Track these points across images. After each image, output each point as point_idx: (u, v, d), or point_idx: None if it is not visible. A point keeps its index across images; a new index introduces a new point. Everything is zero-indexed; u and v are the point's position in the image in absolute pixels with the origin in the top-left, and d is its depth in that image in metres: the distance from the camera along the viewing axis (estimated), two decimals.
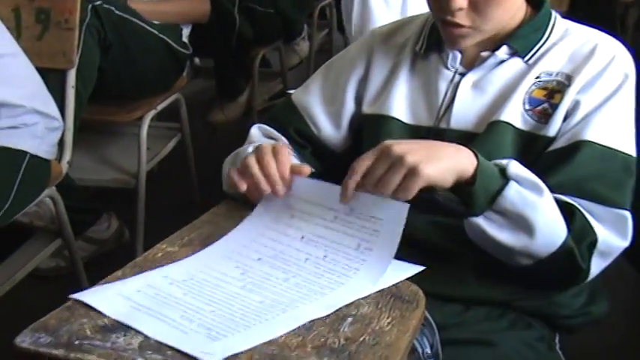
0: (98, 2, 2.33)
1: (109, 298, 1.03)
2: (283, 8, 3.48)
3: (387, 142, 1.07)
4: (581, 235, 1.14)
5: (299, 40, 3.97)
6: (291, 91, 1.53)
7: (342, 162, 1.23)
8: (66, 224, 2.15)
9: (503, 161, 1.13)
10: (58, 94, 2.09)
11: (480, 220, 1.11)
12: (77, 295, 1.04)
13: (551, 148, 1.22)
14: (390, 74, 1.39)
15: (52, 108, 1.95)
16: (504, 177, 1.10)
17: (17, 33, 2.09)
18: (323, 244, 1.14)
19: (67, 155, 2.13)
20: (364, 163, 1.08)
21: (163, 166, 3.04)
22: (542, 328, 1.29)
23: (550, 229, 1.11)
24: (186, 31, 2.90)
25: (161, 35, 2.66)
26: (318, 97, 1.44)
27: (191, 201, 3.09)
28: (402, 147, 1.05)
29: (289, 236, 1.17)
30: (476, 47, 1.31)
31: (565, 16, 1.37)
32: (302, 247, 1.15)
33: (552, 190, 1.14)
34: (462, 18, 1.23)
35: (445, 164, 1.07)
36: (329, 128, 1.43)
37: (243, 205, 1.36)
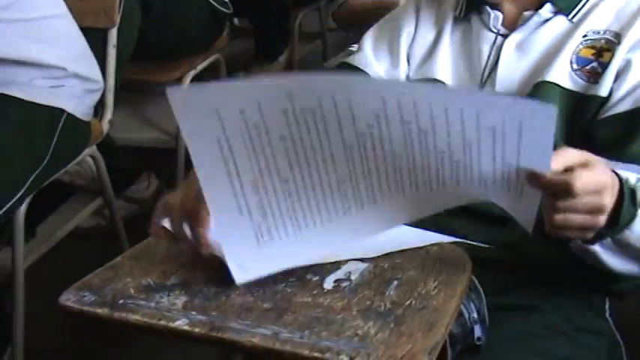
0: None
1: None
2: None
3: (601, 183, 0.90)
4: None
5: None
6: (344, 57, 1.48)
7: None
8: (107, 183, 2.15)
9: (631, 178, 0.99)
10: (99, 53, 2.09)
11: (597, 247, 1.02)
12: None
13: (614, 111, 1.16)
14: (433, 41, 1.36)
15: (95, 71, 1.94)
16: (634, 204, 0.98)
17: None
18: None
19: (108, 115, 2.13)
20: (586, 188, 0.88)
21: None
22: (592, 294, 1.26)
23: None
24: None
25: None
26: (375, 57, 1.40)
27: None
28: (607, 198, 0.91)
29: None
30: (517, 7, 1.28)
31: None
32: None
33: (633, 160, 1.07)
34: None
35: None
36: None
37: None
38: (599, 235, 0.98)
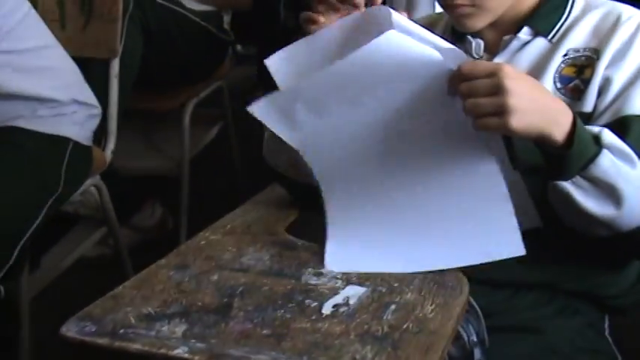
0: None
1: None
2: None
3: (509, 69, 1.01)
4: None
5: None
6: None
7: None
8: (111, 212, 2.17)
9: (595, 128, 1.09)
10: (101, 83, 2.12)
11: (568, 185, 1.07)
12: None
13: (595, 125, 1.19)
14: None
15: (89, 95, 1.96)
16: (598, 144, 1.07)
17: (61, 24, 2.12)
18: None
19: (111, 144, 2.15)
20: (474, 71, 1.02)
21: (206, 153, 3.06)
22: (591, 312, 1.26)
23: (638, 203, 1.08)
24: (227, 18, 2.90)
25: (203, 22, 2.67)
26: None
27: (234, 187, 3.10)
28: (514, 83, 1.00)
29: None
30: (497, 33, 1.30)
31: None
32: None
33: None
34: None
35: (538, 125, 1.03)
36: None
37: (286, 193, 1.37)
38: (566, 168, 1.05)
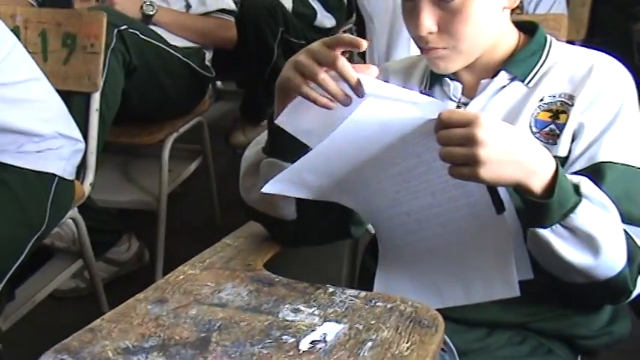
0: (123, 27, 2.36)
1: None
2: (312, 38, 3.53)
3: (484, 120, 1.01)
4: (633, 258, 1.14)
5: None
6: None
7: None
8: (87, 246, 2.16)
9: (575, 178, 1.11)
10: (82, 116, 2.13)
11: (548, 233, 1.09)
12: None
13: (571, 170, 1.21)
14: None
15: (74, 130, 1.97)
16: (578, 194, 1.09)
17: (43, 57, 2.14)
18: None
19: (90, 177, 2.15)
20: (451, 119, 1.03)
21: (184, 188, 3.06)
22: (564, 352, 1.28)
23: (615, 252, 1.11)
24: (208, 55, 2.93)
25: (184, 59, 2.70)
26: None
27: (212, 223, 3.11)
28: (486, 134, 1.01)
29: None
30: (474, 76, 1.33)
31: (582, 43, 1.38)
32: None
33: None
34: (434, 41, 1.24)
35: (512, 175, 1.04)
36: None
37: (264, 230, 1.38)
38: (546, 217, 1.07)
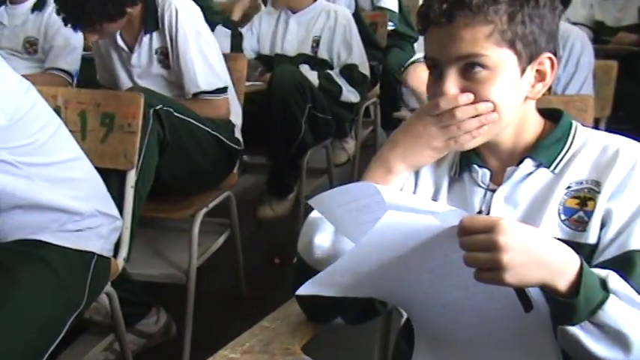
0: (159, 106, 2.44)
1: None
2: (338, 113, 3.62)
3: (505, 225, 1.04)
4: None
5: (348, 138, 4.09)
6: None
7: None
8: (120, 320, 2.20)
9: (602, 272, 1.13)
10: (118, 193, 2.18)
11: (577, 330, 1.10)
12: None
13: (602, 259, 1.23)
14: (432, 196, 1.43)
15: (112, 208, 2.03)
16: (605, 289, 1.10)
17: (82, 135, 2.21)
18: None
19: (124, 252, 2.20)
20: (473, 226, 1.07)
21: (211, 260, 3.10)
22: None
23: None
24: (238, 126, 3.00)
25: (214, 132, 2.76)
26: None
27: (238, 294, 3.13)
28: (508, 240, 1.03)
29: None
30: (501, 163, 1.36)
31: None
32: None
33: None
34: None
35: (537, 277, 1.06)
36: None
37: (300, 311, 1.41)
38: (574, 315, 1.08)
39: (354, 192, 1.17)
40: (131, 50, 2.86)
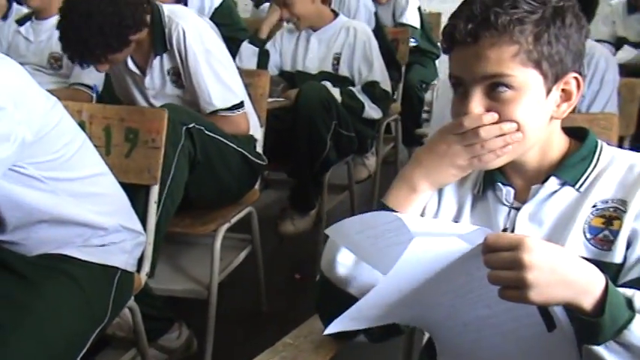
0: (191, 124, 2.46)
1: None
2: (360, 129, 3.63)
3: (530, 243, 1.04)
4: None
5: (369, 154, 4.10)
6: None
7: None
8: (142, 334, 2.21)
9: (628, 292, 1.12)
10: (141, 208, 2.20)
11: (602, 350, 1.09)
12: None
13: (628, 278, 1.22)
14: (455, 217, 1.43)
15: (136, 223, 2.05)
16: (631, 309, 1.09)
17: (106, 150, 2.23)
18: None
19: (147, 267, 2.21)
20: (497, 243, 1.07)
21: (232, 275, 3.10)
22: None
23: None
24: (259, 141, 3.01)
25: (239, 148, 2.77)
26: None
27: (258, 310, 3.13)
28: (533, 258, 1.03)
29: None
30: (526, 181, 1.36)
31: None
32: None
33: None
34: None
35: (562, 296, 1.06)
36: None
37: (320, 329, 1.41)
38: (599, 334, 1.07)
39: (372, 220, 1.17)
40: (143, 73, 2.86)
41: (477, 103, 1.27)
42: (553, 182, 1.33)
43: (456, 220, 1.42)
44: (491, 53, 1.24)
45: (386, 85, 3.75)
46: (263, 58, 3.81)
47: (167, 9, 2.79)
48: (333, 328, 1.19)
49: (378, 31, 4.28)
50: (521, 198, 1.36)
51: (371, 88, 3.68)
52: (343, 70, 3.72)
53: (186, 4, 3.93)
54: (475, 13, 1.24)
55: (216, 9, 4.61)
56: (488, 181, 1.40)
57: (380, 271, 1.17)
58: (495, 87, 1.25)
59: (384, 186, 4.22)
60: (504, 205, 1.37)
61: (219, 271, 2.70)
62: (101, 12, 2.48)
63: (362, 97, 3.65)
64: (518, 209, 1.36)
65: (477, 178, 1.44)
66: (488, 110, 1.27)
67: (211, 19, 4.39)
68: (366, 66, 3.70)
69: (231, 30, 4.45)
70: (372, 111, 3.69)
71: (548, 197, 1.33)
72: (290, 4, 3.62)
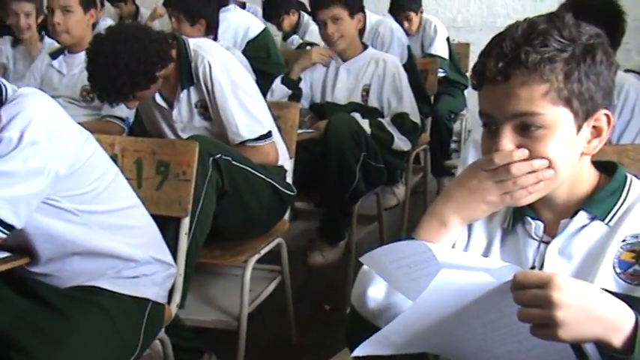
0: (218, 155, 2.48)
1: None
2: (389, 160, 3.63)
3: (558, 281, 1.04)
4: None
5: (399, 184, 4.10)
6: None
7: None
8: None
9: None
10: (172, 240, 2.22)
11: None
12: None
13: None
14: (484, 250, 1.43)
15: (167, 255, 2.07)
16: None
17: (138, 183, 2.26)
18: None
19: (177, 298, 2.23)
20: (526, 281, 1.07)
21: (261, 306, 3.11)
22: None
23: None
24: (289, 171, 3.02)
25: (268, 179, 2.78)
26: None
27: (287, 341, 3.13)
28: (562, 296, 1.04)
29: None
30: (555, 215, 1.35)
31: None
32: None
33: None
34: None
35: (592, 333, 1.06)
36: None
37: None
38: None
39: (405, 250, 1.17)
40: (171, 106, 2.89)
41: (507, 140, 1.27)
42: (582, 216, 1.32)
43: (486, 254, 1.41)
44: (522, 92, 1.24)
45: (415, 116, 3.75)
46: (294, 99, 3.82)
47: (192, 43, 2.84)
48: (361, 350, 1.19)
49: (410, 64, 4.30)
50: (551, 232, 1.36)
51: (400, 120, 3.68)
52: (372, 101, 3.73)
53: (215, 38, 3.96)
54: (505, 51, 1.24)
55: (250, 41, 4.69)
56: (518, 215, 1.40)
57: (411, 300, 1.18)
58: (526, 124, 1.25)
59: (413, 216, 4.27)
60: (534, 239, 1.37)
61: (249, 302, 2.70)
62: (127, 50, 2.52)
63: (391, 129, 3.66)
64: (547, 243, 1.35)
65: (506, 212, 1.44)
66: (519, 147, 1.27)
67: (244, 51, 4.49)
68: (395, 97, 3.70)
69: (265, 63, 4.54)
70: (401, 142, 3.69)
71: (578, 231, 1.33)
72: (340, 19, 3.62)
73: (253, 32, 4.75)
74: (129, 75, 2.54)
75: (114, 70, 2.51)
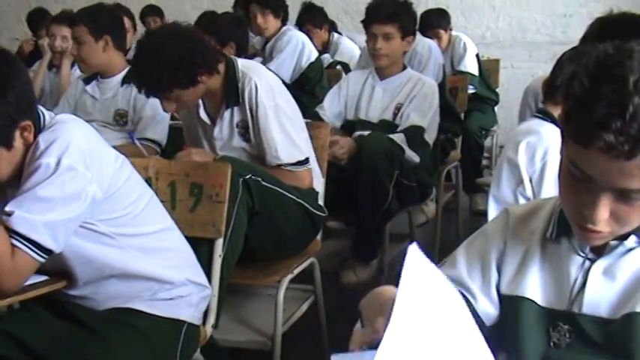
0: (248, 176, 2.50)
1: None
2: (422, 178, 3.62)
3: None
4: None
5: (428, 200, 4.09)
6: None
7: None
8: None
9: None
10: (205, 261, 2.24)
11: None
12: None
13: None
14: (522, 258, 1.42)
15: (202, 276, 2.09)
16: None
17: (172, 205, 2.29)
18: None
19: (212, 319, 2.24)
20: None
21: (294, 326, 3.11)
22: None
23: None
24: (321, 194, 3.03)
25: (299, 200, 2.80)
26: (469, 276, 1.46)
27: None
28: None
29: None
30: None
31: None
32: None
33: None
34: (602, 226, 1.24)
35: None
36: (484, 300, 1.44)
37: None
38: None
39: None
40: (214, 123, 2.92)
41: (605, 209, 1.23)
42: (632, 240, 1.31)
43: (523, 261, 1.41)
44: (638, 171, 1.18)
45: (429, 138, 3.66)
46: None
47: (241, 64, 2.87)
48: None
49: (442, 83, 4.30)
50: (598, 250, 1.34)
51: (412, 132, 3.58)
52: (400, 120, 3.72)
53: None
54: (632, 132, 1.14)
55: (312, 63, 4.83)
56: (564, 227, 1.38)
57: None
58: (629, 196, 1.21)
59: (444, 232, 4.24)
60: (579, 255, 1.35)
61: (283, 321, 2.71)
62: (173, 45, 2.59)
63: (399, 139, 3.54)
64: (593, 261, 1.34)
65: (550, 219, 1.42)
66: (612, 213, 1.23)
67: (304, 72, 4.71)
68: (418, 114, 3.65)
69: (316, 86, 4.72)
70: (411, 154, 3.55)
71: (626, 253, 1.32)
72: (392, 38, 3.62)
73: (315, 55, 4.90)
74: (171, 68, 2.58)
75: (157, 60, 2.57)
